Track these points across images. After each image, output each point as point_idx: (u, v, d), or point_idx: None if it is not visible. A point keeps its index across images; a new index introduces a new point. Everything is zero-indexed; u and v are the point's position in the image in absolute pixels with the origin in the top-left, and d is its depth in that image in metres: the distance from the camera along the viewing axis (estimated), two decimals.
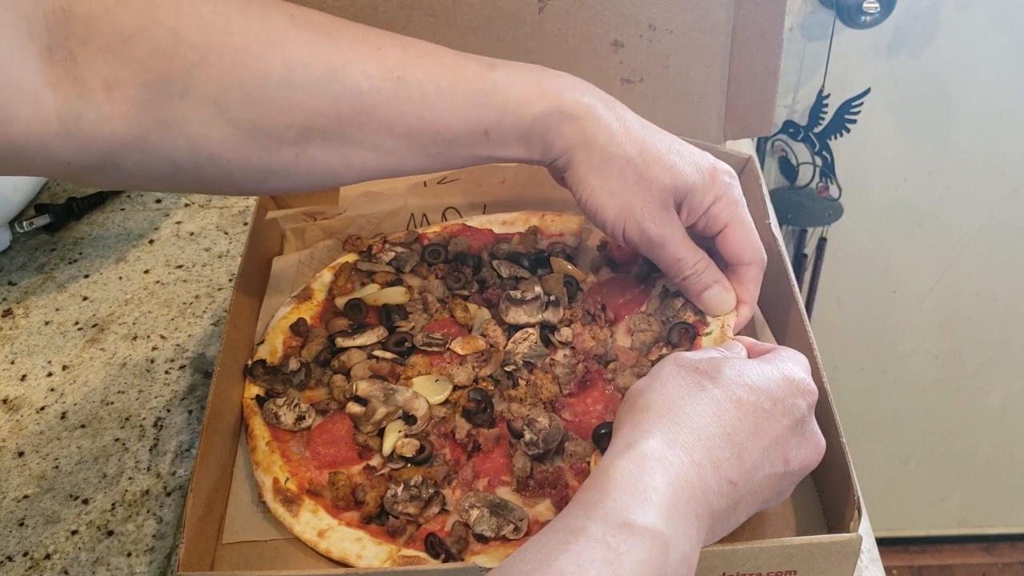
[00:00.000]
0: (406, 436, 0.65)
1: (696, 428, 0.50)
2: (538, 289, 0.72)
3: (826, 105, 1.30)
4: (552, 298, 0.72)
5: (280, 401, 0.68)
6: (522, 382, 0.68)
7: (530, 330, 0.71)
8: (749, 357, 0.58)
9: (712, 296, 0.64)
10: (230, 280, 0.85)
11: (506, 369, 0.69)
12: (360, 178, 0.62)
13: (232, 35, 0.54)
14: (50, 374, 0.77)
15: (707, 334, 0.66)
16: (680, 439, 0.49)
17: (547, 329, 0.71)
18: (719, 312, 0.65)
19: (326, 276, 0.79)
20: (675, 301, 0.68)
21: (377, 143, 0.59)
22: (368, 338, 0.71)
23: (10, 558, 0.64)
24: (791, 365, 0.55)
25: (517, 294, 0.72)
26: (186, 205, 0.94)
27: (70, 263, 0.88)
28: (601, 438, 0.62)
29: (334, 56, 0.56)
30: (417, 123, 0.59)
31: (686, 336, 0.66)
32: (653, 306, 0.71)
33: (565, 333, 0.70)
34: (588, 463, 0.63)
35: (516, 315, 0.71)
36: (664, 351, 0.66)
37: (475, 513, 0.59)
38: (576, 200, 0.63)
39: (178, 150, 0.54)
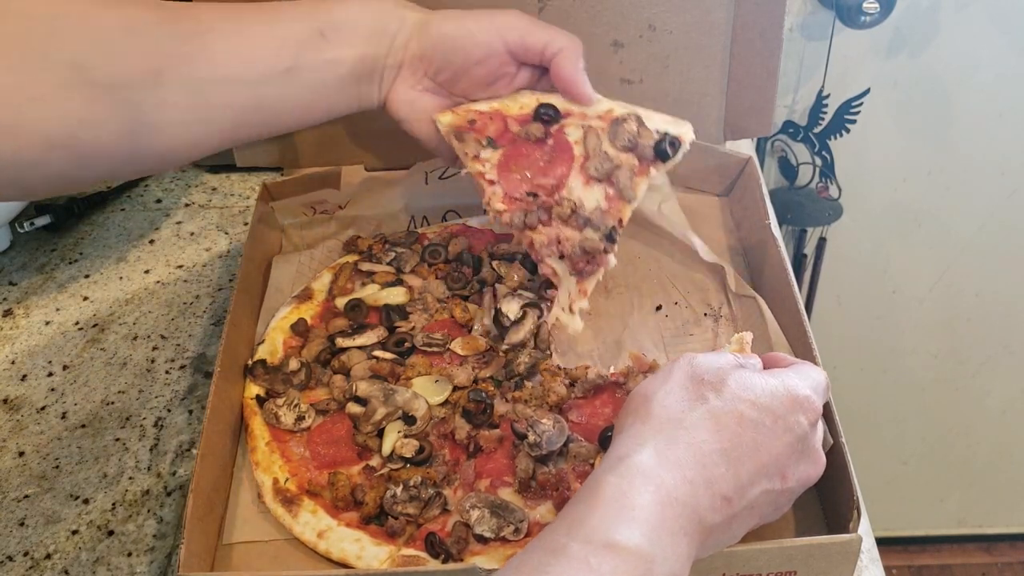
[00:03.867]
0: (405, 436, 0.65)
1: (693, 443, 0.49)
2: (517, 277, 0.74)
3: (826, 105, 1.30)
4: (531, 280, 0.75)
5: (280, 401, 0.68)
6: (528, 384, 0.68)
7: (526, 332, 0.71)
8: (765, 367, 0.57)
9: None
10: (230, 280, 0.85)
11: (510, 378, 0.69)
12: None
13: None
14: (51, 374, 0.77)
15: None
16: (674, 455, 0.48)
17: (536, 306, 0.72)
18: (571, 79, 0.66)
19: (326, 276, 0.79)
20: (623, 127, 0.66)
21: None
22: (368, 338, 0.72)
23: (10, 558, 0.64)
24: (797, 381, 0.54)
25: (503, 288, 0.74)
26: (186, 205, 0.94)
27: (70, 263, 0.88)
28: (607, 441, 0.62)
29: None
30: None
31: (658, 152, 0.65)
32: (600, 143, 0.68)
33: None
34: (592, 465, 0.63)
35: (509, 304, 0.72)
36: (651, 168, 0.66)
37: (475, 513, 0.59)
38: (441, 33, 0.66)
39: (50, 123, 0.55)
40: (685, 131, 0.65)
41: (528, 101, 0.69)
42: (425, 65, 0.67)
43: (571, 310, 0.65)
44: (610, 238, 0.64)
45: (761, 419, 0.51)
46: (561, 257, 0.66)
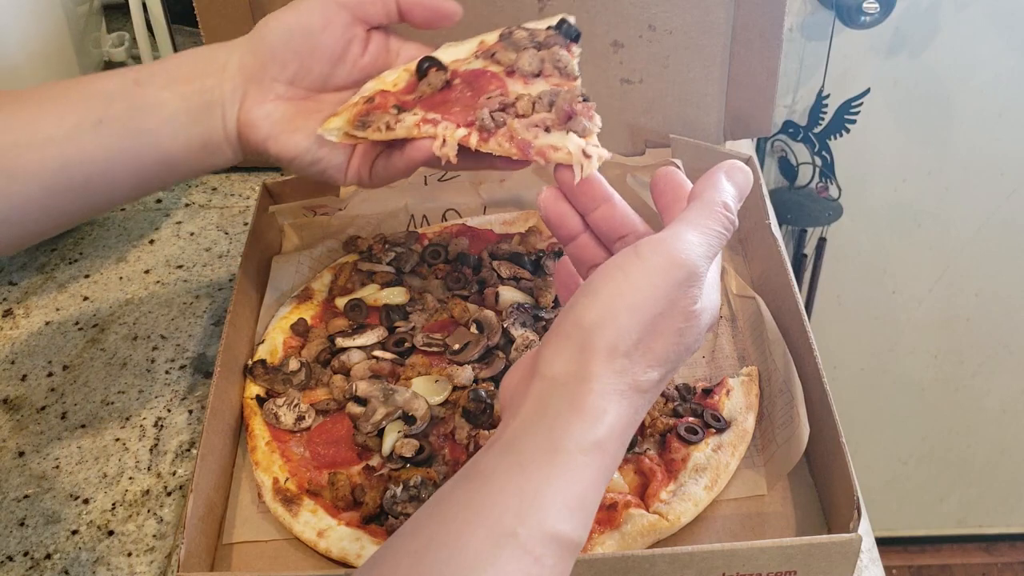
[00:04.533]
0: (405, 436, 0.65)
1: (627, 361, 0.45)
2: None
3: (826, 105, 1.30)
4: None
5: (280, 401, 0.68)
6: None
7: (529, 335, 0.71)
8: (694, 193, 0.50)
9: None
10: (230, 280, 0.85)
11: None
12: None
13: None
14: (50, 374, 0.77)
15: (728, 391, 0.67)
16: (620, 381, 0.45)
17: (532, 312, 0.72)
18: None
19: (326, 276, 0.79)
20: (512, 39, 0.61)
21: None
22: (368, 338, 0.72)
23: (10, 558, 0.64)
24: (682, 248, 0.46)
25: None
26: (186, 205, 0.94)
27: (70, 263, 0.88)
28: None
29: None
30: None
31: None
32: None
33: None
34: None
35: (508, 294, 0.72)
36: (573, 47, 0.60)
37: None
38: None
39: None
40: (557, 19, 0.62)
41: (398, 74, 0.62)
42: (270, 69, 0.61)
43: (586, 155, 0.54)
44: (584, 98, 0.56)
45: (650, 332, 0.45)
46: (547, 130, 0.56)
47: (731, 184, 0.49)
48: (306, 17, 0.61)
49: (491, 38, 0.62)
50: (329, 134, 0.60)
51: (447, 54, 0.63)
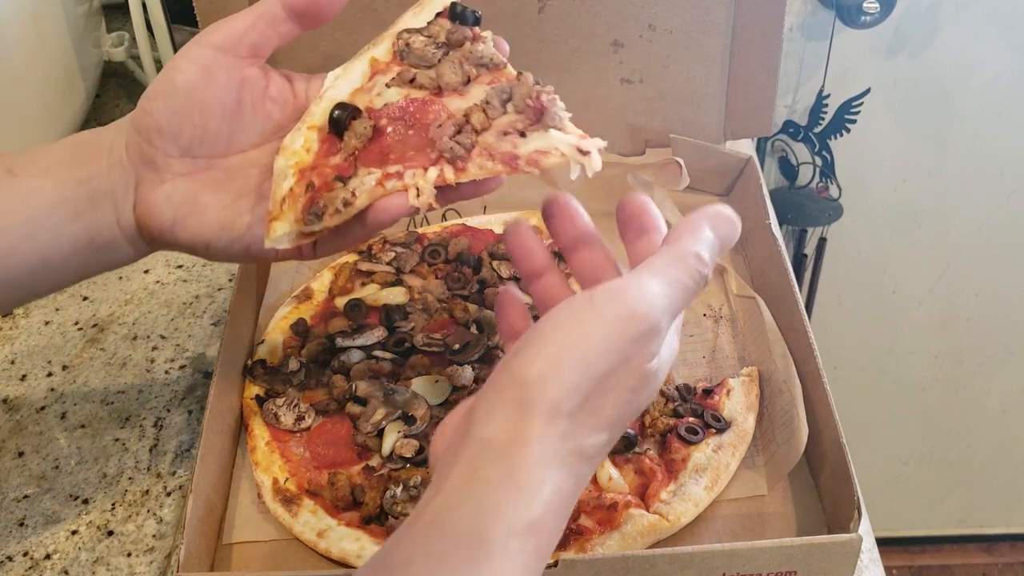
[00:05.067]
0: (405, 437, 0.65)
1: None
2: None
3: (826, 105, 1.30)
4: None
5: (280, 401, 0.68)
6: None
7: None
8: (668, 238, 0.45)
9: None
10: (230, 280, 0.85)
11: None
12: None
13: None
14: (50, 374, 0.77)
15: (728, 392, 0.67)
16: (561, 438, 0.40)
17: None
18: None
19: (326, 276, 0.79)
20: (413, 46, 0.53)
21: None
22: (368, 339, 0.72)
23: (10, 558, 0.64)
24: (642, 300, 0.41)
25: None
26: None
27: None
28: None
29: None
30: None
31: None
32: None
33: None
34: None
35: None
36: (478, 30, 0.54)
37: None
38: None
39: None
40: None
41: (302, 137, 0.52)
42: (159, 144, 0.52)
43: (582, 151, 0.49)
44: (537, 82, 0.52)
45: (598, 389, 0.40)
46: (523, 134, 0.50)
47: (713, 233, 0.44)
48: (181, 74, 0.51)
49: (380, 53, 0.54)
50: (279, 243, 0.52)
51: (342, 88, 0.54)
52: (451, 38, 0.53)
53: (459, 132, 0.51)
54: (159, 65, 0.96)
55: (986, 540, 1.98)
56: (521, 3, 0.78)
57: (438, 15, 0.54)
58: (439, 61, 0.53)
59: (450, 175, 0.51)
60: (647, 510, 0.60)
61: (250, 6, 0.52)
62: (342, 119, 0.52)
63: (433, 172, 0.51)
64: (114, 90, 1.06)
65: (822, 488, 0.62)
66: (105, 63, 1.00)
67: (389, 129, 0.52)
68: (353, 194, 0.51)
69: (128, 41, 1.01)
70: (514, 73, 0.52)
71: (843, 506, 0.57)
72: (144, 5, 0.93)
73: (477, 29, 0.54)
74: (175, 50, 0.96)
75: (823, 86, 1.27)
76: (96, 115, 1.01)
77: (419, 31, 0.54)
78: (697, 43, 0.81)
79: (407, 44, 0.53)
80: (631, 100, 0.83)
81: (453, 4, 0.54)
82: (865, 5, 1.15)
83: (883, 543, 0.65)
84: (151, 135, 0.51)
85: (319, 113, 0.53)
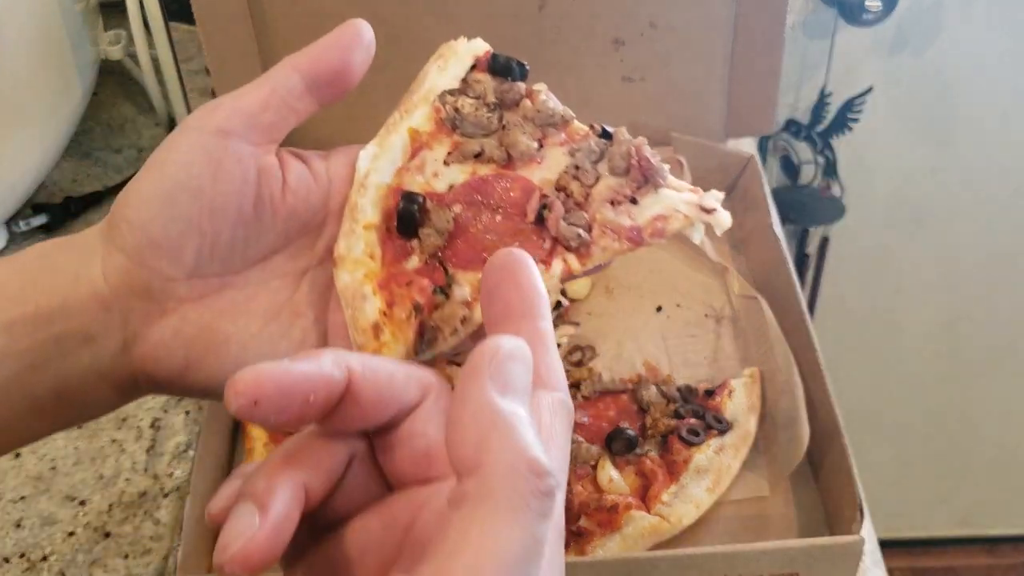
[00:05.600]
0: None
1: None
2: None
3: (828, 103, 1.29)
4: None
5: None
6: None
7: None
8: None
9: None
10: None
11: None
12: None
13: None
14: None
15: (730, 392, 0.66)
16: None
17: None
18: None
19: None
20: (461, 108, 0.43)
21: None
22: None
23: (7, 559, 0.64)
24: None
25: None
26: None
27: None
28: (613, 442, 0.63)
29: None
30: None
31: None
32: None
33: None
34: (594, 467, 0.62)
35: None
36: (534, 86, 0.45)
37: None
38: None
39: None
40: (476, 45, 0.45)
41: (360, 242, 0.42)
42: (156, 266, 0.38)
43: (705, 209, 0.42)
44: (604, 135, 0.44)
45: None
46: (634, 201, 0.43)
47: (529, 411, 0.28)
48: (184, 170, 0.37)
49: (418, 122, 0.44)
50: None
51: (385, 171, 0.43)
52: (505, 98, 0.44)
53: (567, 211, 0.42)
54: (156, 64, 0.96)
55: (989, 541, 1.97)
56: (521, 1, 0.77)
57: (472, 68, 0.44)
58: (503, 127, 0.44)
59: (575, 265, 0.42)
60: (648, 512, 0.60)
61: (258, 78, 0.40)
62: (414, 213, 0.41)
63: (557, 266, 0.41)
64: (111, 88, 1.06)
65: (824, 489, 0.62)
66: (102, 61, 0.99)
67: (470, 217, 0.43)
68: (468, 306, 0.41)
69: (125, 39, 1.01)
70: (585, 126, 0.44)
71: (845, 507, 0.57)
72: (141, 3, 0.93)
73: (519, 79, 0.44)
74: (173, 49, 0.96)
75: (825, 84, 1.27)
76: (93, 113, 1.01)
77: (462, 92, 0.44)
78: (699, 41, 0.80)
79: (456, 110, 0.44)
80: (632, 98, 0.83)
81: (495, 56, 0.44)
82: (867, 3, 1.15)
83: (885, 544, 0.64)
84: (143, 254, 0.38)
85: (370, 207, 0.42)
